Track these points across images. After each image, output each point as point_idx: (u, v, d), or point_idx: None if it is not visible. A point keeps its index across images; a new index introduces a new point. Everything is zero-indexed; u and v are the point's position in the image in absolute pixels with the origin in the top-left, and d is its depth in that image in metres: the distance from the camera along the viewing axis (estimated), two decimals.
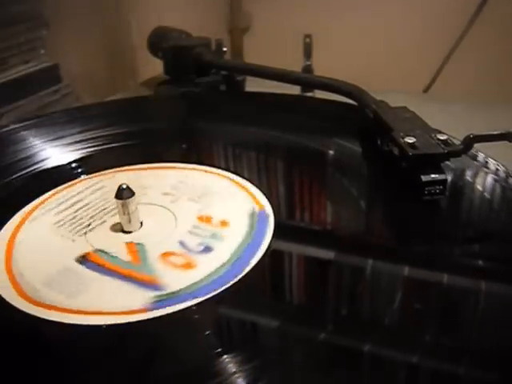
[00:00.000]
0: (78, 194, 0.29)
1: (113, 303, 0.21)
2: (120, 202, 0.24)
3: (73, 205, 0.28)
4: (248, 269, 0.22)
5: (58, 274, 0.23)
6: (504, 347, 0.19)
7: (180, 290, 0.21)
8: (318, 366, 0.18)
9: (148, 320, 0.20)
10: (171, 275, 0.22)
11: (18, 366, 0.19)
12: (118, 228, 0.25)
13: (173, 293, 0.21)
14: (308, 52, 0.52)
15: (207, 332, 0.20)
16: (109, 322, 0.20)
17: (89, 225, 0.26)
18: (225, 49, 0.50)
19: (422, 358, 0.18)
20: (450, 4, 0.67)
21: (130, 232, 0.25)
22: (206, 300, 0.21)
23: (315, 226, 0.27)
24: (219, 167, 0.30)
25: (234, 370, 0.18)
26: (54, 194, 0.29)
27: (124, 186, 0.25)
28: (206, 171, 0.30)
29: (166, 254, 0.23)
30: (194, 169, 0.31)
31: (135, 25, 0.66)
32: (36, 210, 0.28)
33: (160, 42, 0.51)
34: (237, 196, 0.27)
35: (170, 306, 0.20)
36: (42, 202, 0.28)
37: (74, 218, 0.27)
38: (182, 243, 0.24)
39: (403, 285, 0.22)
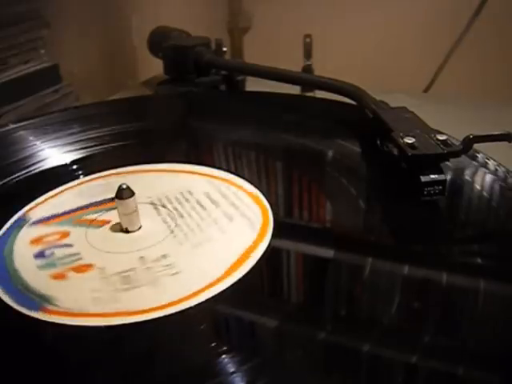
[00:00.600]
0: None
1: None
2: (119, 201, 0.24)
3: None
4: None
5: None
6: (504, 347, 0.19)
7: None
8: (317, 365, 0.18)
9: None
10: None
11: None
12: (118, 228, 0.25)
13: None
14: (308, 52, 0.52)
15: (207, 331, 0.20)
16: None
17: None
18: (225, 49, 0.50)
19: (421, 357, 0.18)
20: (449, 4, 0.67)
21: (128, 232, 0.25)
22: (205, 300, 0.21)
23: (314, 225, 0.27)
24: (219, 168, 0.30)
25: (233, 369, 0.18)
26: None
27: (124, 186, 0.25)
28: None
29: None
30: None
31: (135, 25, 0.66)
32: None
33: (160, 42, 0.51)
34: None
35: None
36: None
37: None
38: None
39: (402, 284, 0.22)
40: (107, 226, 0.26)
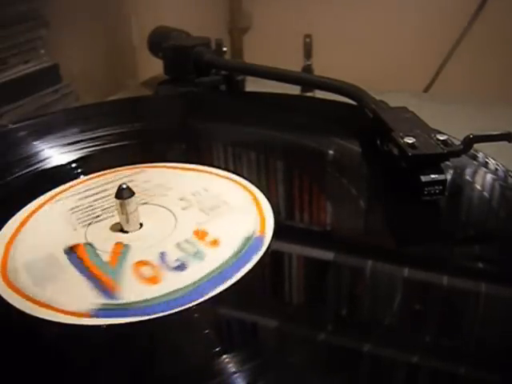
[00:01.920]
0: (105, 184, 0.29)
1: (66, 301, 0.21)
2: (119, 201, 0.24)
3: (96, 193, 0.28)
4: (209, 296, 0.21)
5: (41, 260, 0.23)
6: (504, 348, 0.19)
7: (131, 303, 0.21)
8: (317, 366, 0.18)
9: (90, 326, 0.20)
10: (131, 286, 0.22)
11: None
12: (118, 227, 0.25)
13: (122, 304, 0.21)
14: (308, 52, 0.52)
15: (207, 332, 0.20)
16: (53, 319, 0.20)
17: (98, 216, 0.26)
18: (225, 49, 0.50)
19: (422, 359, 0.18)
20: (449, 4, 0.67)
21: (127, 232, 0.25)
22: (205, 300, 0.21)
23: (315, 226, 0.27)
24: (219, 167, 0.30)
25: (233, 370, 0.18)
26: (85, 181, 0.30)
27: (124, 186, 0.25)
28: (218, 175, 0.30)
29: (140, 263, 0.23)
30: (210, 172, 0.30)
31: (135, 25, 0.66)
32: (63, 193, 0.29)
33: (160, 42, 0.51)
34: (245, 213, 0.26)
35: (114, 317, 0.20)
36: (72, 186, 0.29)
37: (89, 207, 0.27)
38: (162, 255, 0.23)
39: (403, 285, 0.22)
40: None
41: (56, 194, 0.29)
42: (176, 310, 0.20)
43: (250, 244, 0.24)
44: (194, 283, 0.21)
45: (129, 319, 0.20)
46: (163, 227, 0.25)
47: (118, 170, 0.31)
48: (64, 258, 0.23)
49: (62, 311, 0.20)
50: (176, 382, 0.18)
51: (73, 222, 0.26)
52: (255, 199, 0.27)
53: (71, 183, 0.30)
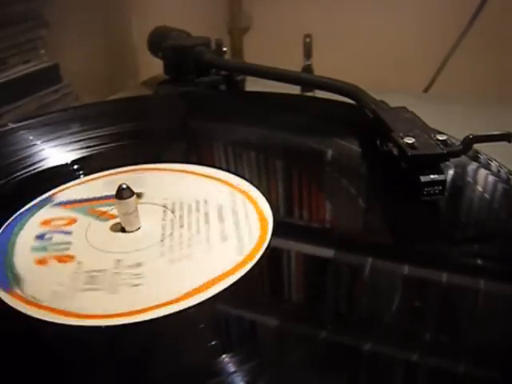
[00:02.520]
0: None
1: None
2: (119, 201, 0.24)
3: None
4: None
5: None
6: (504, 346, 0.19)
7: None
8: (317, 365, 0.18)
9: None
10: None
11: None
12: (118, 227, 0.25)
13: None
14: (308, 52, 0.52)
15: (206, 331, 0.20)
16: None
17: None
18: (225, 49, 0.50)
19: (422, 356, 0.18)
20: (449, 4, 0.67)
21: (127, 232, 0.25)
22: (205, 300, 0.21)
23: (314, 225, 0.27)
24: (219, 167, 0.30)
25: (233, 369, 0.18)
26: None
27: (124, 186, 0.25)
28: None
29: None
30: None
31: (135, 25, 0.66)
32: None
33: (160, 42, 0.51)
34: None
35: None
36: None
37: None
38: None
39: (402, 285, 0.22)
40: (111, 222, 0.26)
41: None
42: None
43: None
44: None
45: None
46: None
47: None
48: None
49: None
50: (176, 381, 0.18)
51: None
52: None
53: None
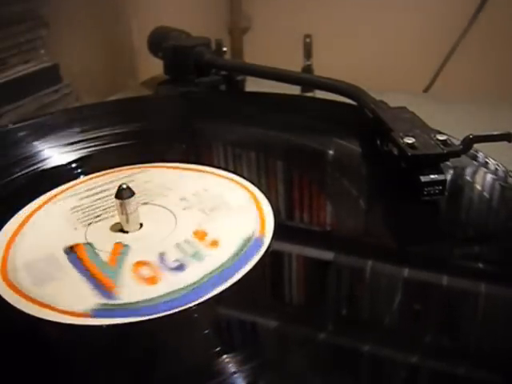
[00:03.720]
0: (107, 183, 0.29)
1: (65, 301, 0.21)
2: (119, 201, 0.24)
3: (97, 193, 0.28)
4: (208, 296, 0.21)
5: (41, 260, 0.23)
6: (504, 349, 0.19)
7: (130, 303, 0.21)
8: (317, 366, 0.18)
9: (89, 326, 0.20)
10: (130, 286, 0.22)
11: None
12: (118, 227, 0.25)
13: (122, 304, 0.21)
14: (308, 52, 0.52)
15: (207, 331, 0.20)
16: (52, 319, 0.20)
17: (98, 216, 0.26)
18: (225, 49, 0.50)
19: (422, 359, 0.18)
20: (450, 4, 0.67)
21: (127, 232, 0.25)
22: (205, 300, 0.21)
23: (315, 226, 0.27)
24: (219, 167, 0.30)
25: (233, 370, 0.18)
26: (86, 180, 0.30)
27: (124, 186, 0.25)
28: (219, 176, 0.30)
29: (139, 264, 0.23)
30: (211, 173, 0.30)
31: (135, 25, 0.66)
32: (63, 192, 0.29)
33: (160, 42, 0.51)
34: (245, 214, 0.26)
35: (113, 317, 0.20)
36: (72, 187, 0.29)
37: (90, 206, 0.27)
38: (161, 255, 0.23)
39: (402, 285, 0.22)
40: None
41: (56, 194, 0.29)
42: (175, 310, 0.20)
43: (249, 245, 0.24)
44: (194, 283, 0.21)
45: (128, 319, 0.20)
46: (163, 227, 0.25)
47: (120, 170, 0.31)
48: (64, 258, 0.23)
49: (62, 311, 0.20)
50: (176, 381, 0.18)
51: (73, 221, 0.26)
52: (255, 199, 0.27)
53: (72, 183, 0.30)
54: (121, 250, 0.24)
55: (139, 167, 0.31)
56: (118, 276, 0.22)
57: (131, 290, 0.21)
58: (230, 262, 0.23)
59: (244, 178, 0.29)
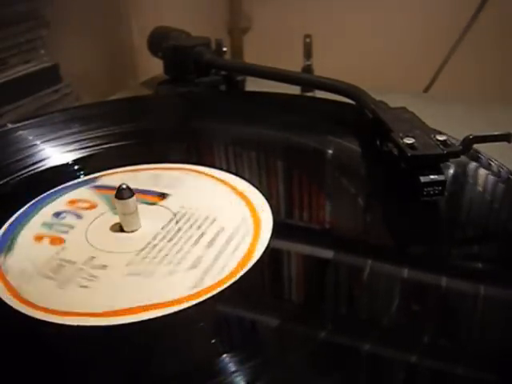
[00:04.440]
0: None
1: None
2: (119, 201, 0.24)
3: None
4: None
5: None
6: (503, 349, 0.19)
7: None
8: (317, 365, 0.18)
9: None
10: None
11: None
12: (118, 227, 0.25)
13: None
14: (308, 52, 0.52)
15: (207, 330, 0.20)
16: None
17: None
18: (225, 49, 0.50)
19: (420, 359, 0.18)
20: (449, 4, 0.67)
21: (126, 232, 0.25)
22: (205, 300, 0.21)
23: (314, 225, 0.27)
24: (219, 168, 0.30)
25: (233, 369, 0.18)
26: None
27: (124, 186, 0.25)
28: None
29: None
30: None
31: (135, 25, 0.66)
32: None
33: (160, 42, 0.51)
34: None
35: None
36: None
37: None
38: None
39: (402, 285, 0.22)
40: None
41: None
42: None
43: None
44: None
45: None
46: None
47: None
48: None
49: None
50: (176, 381, 0.18)
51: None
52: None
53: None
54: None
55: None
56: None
57: None
58: None
59: (244, 178, 0.29)
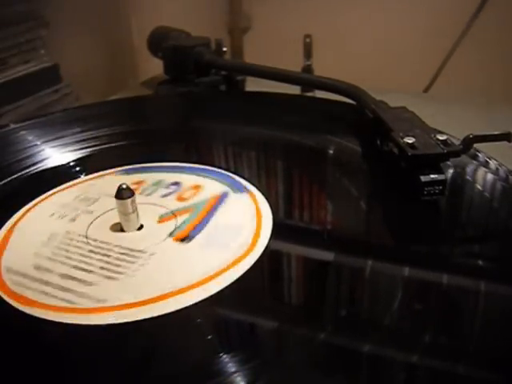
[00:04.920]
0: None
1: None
2: (119, 201, 0.24)
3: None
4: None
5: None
6: (504, 348, 0.19)
7: None
8: (317, 366, 0.18)
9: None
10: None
11: None
12: (118, 227, 0.25)
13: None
14: (308, 52, 0.52)
15: (206, 331, 0.20)
16: None
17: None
18: (225, 49, 0.50)
19: (422, 358, 0.18)
20: (450, 4, 0.67)
21: (125, 232, 0.25)
22: (205, 300, 0.21)
23: (314, 225, 0.27)
24: (219, 167, 0.30)
25: (233, 369, 0.18)
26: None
27: (124, 186, 0.25)
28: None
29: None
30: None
31: (135, 25, 0.66)
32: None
33: (160, 42, 0.51)
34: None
35: None
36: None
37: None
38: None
39: (402, 285, 0.22)
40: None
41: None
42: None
43: None
44: None
45: None
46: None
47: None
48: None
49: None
50: (176, 381, 0.18)
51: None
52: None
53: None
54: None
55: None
56: None
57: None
58: None
59: (244, 178, 0.29)
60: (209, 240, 0.24)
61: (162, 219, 0.26)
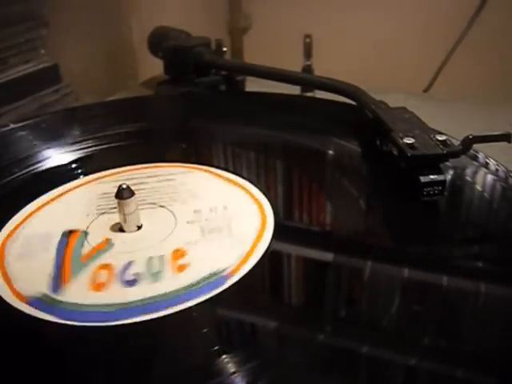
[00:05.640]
0: (146, 177, 0.30)
1: (23, 281, 0.22)
2: (119, 201, 0.24)
3: (134, 184, 0.27)
4: (110, 324, 0.20)
5: (38, 236, 0.25)
6: (503, 349, 0.19)
7: (65, 302, 0.21)
8: (316, 366, 0.18)
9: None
10: (78, 286, 0.22)
11: None
12: (118, 227, 0.25)
13: (57, 301, 0.21)
14: (308, 52, 0.52)
15: (206, 331, 0.20)
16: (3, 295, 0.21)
17: (114, 208, 0.26)
18: (225, 49, 0.50)
19: (420, 359, 0.18)
20: (449, 4, 0.67)
21: (125, 232, 0.25)
22: (205, 300, 0.21)
23: (314, 226, 0.27)
24: (219, 167, 0.30)
25: (233, 370, 0.18)
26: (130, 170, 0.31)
27: (124, 186, 0.25)
28: (231, 181, 0.29)
29: (103, 266, 0.23)
30: (230, 182, 0.29)
31: (135, 25, 0.66)
32: (109, 176, 0.30)
33: (160, 42, 0.51)
34: (239, 243, 0.24)
35: (44, 311, 0.20)
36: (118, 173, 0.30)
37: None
38: (128, 264, 0.23)
39: (402, 286, 0.22)
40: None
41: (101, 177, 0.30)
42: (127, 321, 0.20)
43: (210, 280, 0.22)
44: (125, 303, 0.21)
45: (53, 318, 0.20)
46: (156, 235, 0.25)
47: (159, 166, 0.31)
48: (56, 240, 0.24)
49: (15, 291, 0.21)
50: (176, 382, 0.18)
51: (93, 207, 0.27)
52: (260, 207, 0.27)
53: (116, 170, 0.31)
54: (102, 247, 0.24)
55: (188, 167, 0.31)
56: (79, 272, 0.22)
57: (76, 290, 0.21)
58: (180, 291, 0.21)
59: (244, 177, 0.29)
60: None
61: None
